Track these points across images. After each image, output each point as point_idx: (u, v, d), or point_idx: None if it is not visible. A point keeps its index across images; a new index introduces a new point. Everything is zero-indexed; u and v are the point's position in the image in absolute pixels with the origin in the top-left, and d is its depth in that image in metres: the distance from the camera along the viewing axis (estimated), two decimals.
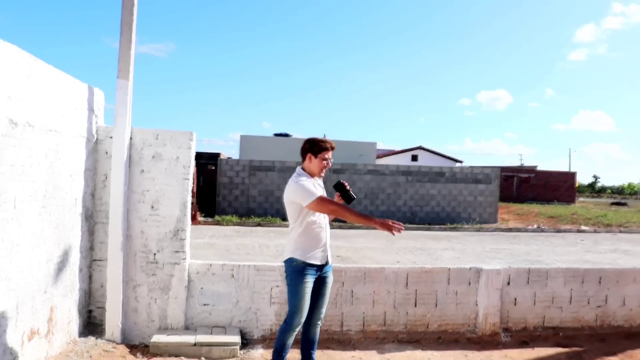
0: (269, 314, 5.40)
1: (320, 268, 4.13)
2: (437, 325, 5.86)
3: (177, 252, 5.21)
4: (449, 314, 5.89)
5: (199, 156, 22.02)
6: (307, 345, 4.35)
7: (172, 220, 5.19)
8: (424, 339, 5.72)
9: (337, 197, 4.33)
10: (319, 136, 4.31)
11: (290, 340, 4.15)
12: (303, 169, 4.21)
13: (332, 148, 4.16)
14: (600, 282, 6.31)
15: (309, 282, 4.06)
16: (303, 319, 4.09)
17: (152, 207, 5.17)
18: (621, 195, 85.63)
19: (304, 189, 3.99)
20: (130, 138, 5.12)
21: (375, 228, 3.90)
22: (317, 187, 4.08)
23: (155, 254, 5.17)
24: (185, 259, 5.23)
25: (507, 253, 13.72)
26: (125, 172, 5.02)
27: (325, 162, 4.14)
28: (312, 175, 4.17)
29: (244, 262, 5.54)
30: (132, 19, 5.03)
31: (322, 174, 4.22)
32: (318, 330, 4.36)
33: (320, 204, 3.95)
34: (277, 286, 5.43)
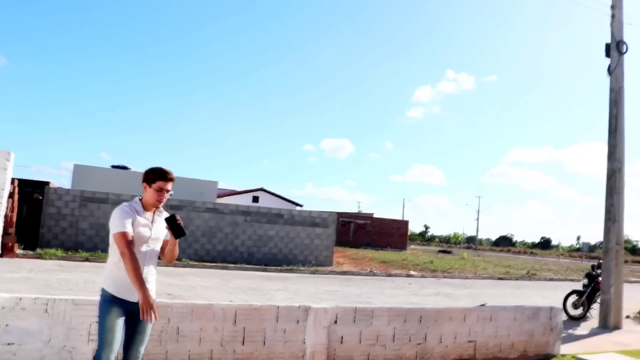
0: (86, 352, 4.98)
1: (134, 304, 3.81)
2: None
3: None
4: (277, 352, 5.86)
5: (25, 184, 20.18)
6: None
7: None
8: None
9: (167, 230, 4.10)
10: None
11: None
12: (140, 199, 3.98)
13: (170, 179, 3.92)
14: (420, 321, 6.70)
15: (117, 316, 3.80)
16: (112, 355, 3.78)
17: None
18: (447, 243, 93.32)
19: (115, 217, 3.80)
20: None
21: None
22: (134, 221, 3.83)
23: None
24: None
25: (340, 295, 14.10)
26: None
27: (160, 192, 3.90)
28: (146, 206, 3.94)
29: (61, 296, 5.10)
30: None
31: (159, 206, 3.97)
32: None
33: (120, 240, 3.73)
34: (97, 322, 5.05)
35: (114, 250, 3.85)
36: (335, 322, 6.17)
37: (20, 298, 4.87)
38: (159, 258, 4.12)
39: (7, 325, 4.77)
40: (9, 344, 4.78)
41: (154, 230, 3.95)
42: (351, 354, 6.27)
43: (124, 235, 3.73)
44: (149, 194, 3.92)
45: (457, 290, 17.56)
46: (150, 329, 4.07)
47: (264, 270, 19.87)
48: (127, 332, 3.93)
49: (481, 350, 7.10)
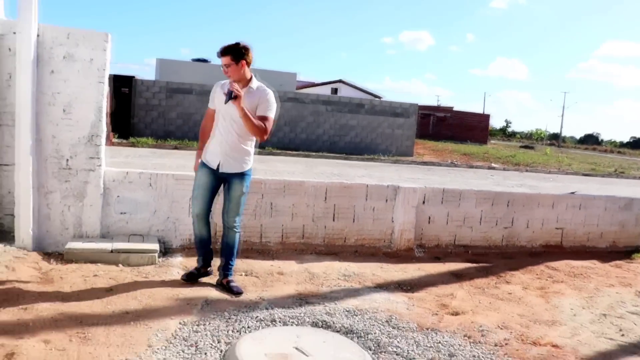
0: (188, 223, 5.32)
1: (214, 170, 4.29)
2: (355, 240, 6.02)
3: (92, 158, 4.99)
4: (366, 229, 6.06)
5: (113, 79, 20.92)
6: (223, 249, 4.47)
7: (86, 125, 4.95)
8: (342, 252, 5.87)
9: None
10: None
11: (199, 230, 4.47)
12: None
13: (219, 54, 4.16)
14: (508, 205, 6.67)
15: (200, 176, 4.37)
16: (196, 209, 4.39)
17: (64, 110, 4.88)
18: (529, 140, 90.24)
19: None
20: (38, 35, 4.76)
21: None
22: (215, 92, 4.35)
23: (68, 159, 4.94)
24: (100, 165, 5.04)
25: (422, 182, 14.13)
26: (33, 72, 4.69)
27: (223, 68, 4.18)
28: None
29: (162, 171, 5.41)
30: None
31: (230, 79, 4.17)
32: (232, 235, 4.42)
33: None
34: None
35: None
36: (424, 202, 6.25)
37: (127, 172, 5.22)
38: None
39: (118, 196, 5.15)
40: (122, 213, 5.18)
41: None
42: (438, 234, 6.39)
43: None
44: None
45: (541, 183, 17.20)
46: (238, 199, 4.33)
47: (346, 158, 20.14)
48: (223, 200, 4.41)
49: (568, 237, 7.04)
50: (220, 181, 4.36)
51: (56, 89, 4.85)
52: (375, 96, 46.38)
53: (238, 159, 4.27)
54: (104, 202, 5.10)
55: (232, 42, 4.14)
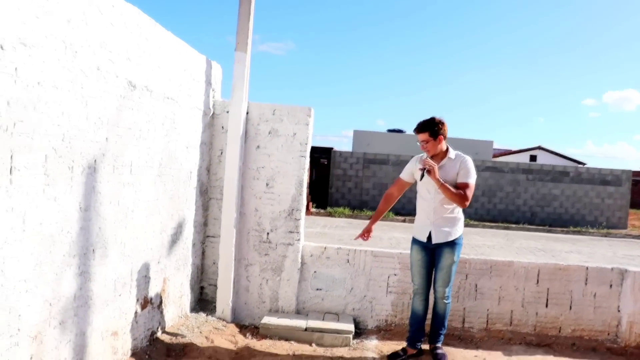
0: (384, 303, 5.05)
1: (425, 244, 4.30)
2: (571, 330, 5.22)
3: (291, 232, 4.98)
4: (586, 319, 5.22)
5: (312, 150, 21.98)
6: (433, 320, 4.44)
7: (287, 199, 4.98)
8: (556, 343, 5.10)
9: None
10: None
11: (414, 306, 4.43)
12: None
13: (415, 130, 4.25)
14: None
15: (414, 253, 4.38)
16: (416, 287, 4.40)
17: (267, 184, 4.98)
18: None
19: None
20: (247, 113, 4.96)
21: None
22: (412, 166, 4.43)
23: (268, 233, 4.98)
24: (299, 239, 5.00)
25: None
26: (241, 147, 4.86)
27: (421, 144, 4.27)
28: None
29: (360, 247, 5.22)
30: None
31: (427, 155, 4.28)
32: (442, 306, 4.37)
33: None
34: (395, 274, 5.07)
35: None
36: None
37: (325, 247, 5.11)
38: None
39: (315, 271, 5.05)
40: (318, 289, 5.06)
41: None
42: None
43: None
44: None
45: None
46: (449, 268, 4.26)
47: (549, 231, 18.55)
48: (434, 270, 4.38)
49: None
50: (434, 254, 4.33)
51: (260, 164, 4.98)
52: (577, 162, 43.04)
53: (448, 228, 4.25)
54: (301, 277, 5.03)
55: (428, 117, 4.24)
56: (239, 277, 4.96)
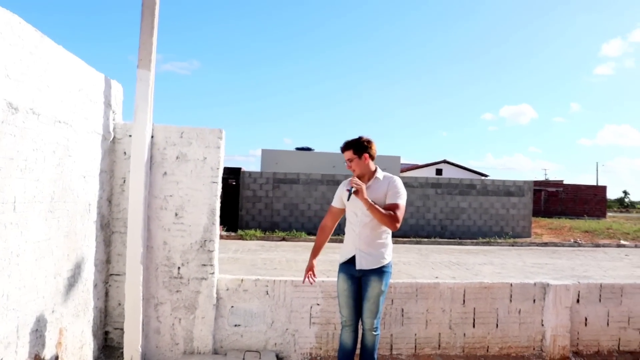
0: (308, 335, 4.74)
1: (351, 268, 4.02)
2: (499, 349, 5.15)
3: (204, 265, 4.57)
4: (512, 336, 5.18)
5: None
6: (361, 355, 4.15)
7: (198, 230, 4.57)
8: None
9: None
10: (338, 150, 4.20)
11: (343, 339, 4.12)
12: None
13: (341, 149, 4.13)
14: None
15: (341, 282, 4.08)
16: (344, 318, 4.08)
17: (176, 214, 4.55)
18: None
19: None
20: (152, 136, 4.53)
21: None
22: (340, 191, 4.20)
23: (179, 267, 4.55)
24: (213, 273, 4.60)
25: (551, 268, 12.87)
26: (146, 175, 4.41)
27: (345, 163, 4.16)
28: None
29: (281, 277, 4.88)
30: (155, 3, 4.44)
31: (353, 173, 4.12)
32: (370, 338, 4.07)
33: None
34: (318, 304, 4.78)
35: None
36: (578, 301, 5.30)
37: (242, 280, 4.74)
38: None
39: (232, 306, 4.66)
40: (235, 325, 4.67)
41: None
42: (598, 339, 5.37)
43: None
44: None
45: None
46: (377, 298, 3.97)
47: (460, 243, 19.01)
48: (361, 300, 4.07)
49: None
50: (361, 282, 4.06)
51: (168, 192, 4.55)
52: (481, 174, 44.98)
53: (374, 254, 4.00)
54: (217, 314, 4.62)
55: (355, 136, 4.11)
56: (148, 318, 4.48)
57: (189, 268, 4.56)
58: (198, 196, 4.58)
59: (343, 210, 4.21)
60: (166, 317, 4.53)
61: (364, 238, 3.99)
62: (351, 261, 4.03)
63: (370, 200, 3.84)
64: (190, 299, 4.54)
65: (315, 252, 4.24)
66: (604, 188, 46.61)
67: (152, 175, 4.52)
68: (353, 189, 3.85)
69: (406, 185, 18.27)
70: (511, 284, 5.20)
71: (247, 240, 17.67)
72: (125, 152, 4.64)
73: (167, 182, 4.56)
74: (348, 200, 3.94)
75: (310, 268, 4.18)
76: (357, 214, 4.02)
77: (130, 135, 4.52)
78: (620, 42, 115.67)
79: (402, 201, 3.98)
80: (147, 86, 4.38)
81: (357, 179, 3.94)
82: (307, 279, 4.16)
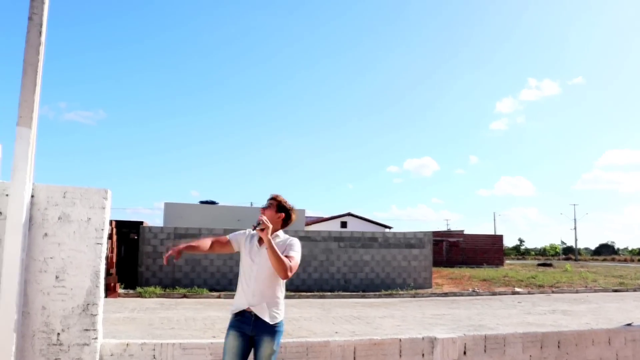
0: None
1: (244, 323, 3.93)
2: None
3: (87, 330, 4.35)
4: None
5: (121, 224, 20.71)
6: None
7: (81, 293, 4.37)
8: None
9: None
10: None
11: None
12: None
13: (269, 197, 4.30)
14: (559, 347, 5.91)
15: (230, 340, 3.95)
16: None
17: (57, 277, 4.33)
18: (544, 256, 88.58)
19: None
20: (32, 196, 4.34)
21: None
22: (242, 236, 4.24)
23: (59, 333, 4.30)
24: (96, 338, 4.38)
25: (449, 319, 13.26)
26: (24, 236, 4.20)
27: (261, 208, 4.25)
28: None
29: (168, 340, 4.73)
30: (38, 59, 4.34)
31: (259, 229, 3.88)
32: None
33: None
34: None
35: None
36: (465, 353, 5.50)
37: (127, 344, 4.55)
38: None
39: None
40: None
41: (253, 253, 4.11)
42: None
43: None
44: None
45: (573, 306, 16.22)
46: (266, 358, 3.88)
47: (363, 296, 19.21)
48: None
49: None
50: (252, 344, 3.95)
51: (49, 254, 4.34)
52: (385, 226, 46.22)
53: (266, 308, 3.94)
54: None
55: (273, 192, 4.35)
56: None
57: (70, 334, 4.32)
58: (81, 258, 4.40)
59: (230, 248, 4.22)
60: None
61: (258, 293, 3.94)
62: (244, 315, 3.95)
63: (272, 240, 3.79)
64: None
65: (194, 244, 4.19)
66: (501, 237, 49.13)
67: (31, 236, 4.31)
68: (260, 226, 3.79)
69: (309, 239, 18.44)
70: (400, 340, 5.32)
71: (146, 297, 16.99)
72: (1, 213, 4.40)
73: (48, 244, 4.35)
74: (254, 230, 3.91)
75: (179, 250, 3.99)
76: (253, 260, 4.02)
77: (7, 195, 4.31)
78: (512, 100, 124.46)
79: (297, 256, 4.02)
80: (27, 144, 4.22)
81: (265, 218, 3.87)
82: (172, 253, 3.95)
